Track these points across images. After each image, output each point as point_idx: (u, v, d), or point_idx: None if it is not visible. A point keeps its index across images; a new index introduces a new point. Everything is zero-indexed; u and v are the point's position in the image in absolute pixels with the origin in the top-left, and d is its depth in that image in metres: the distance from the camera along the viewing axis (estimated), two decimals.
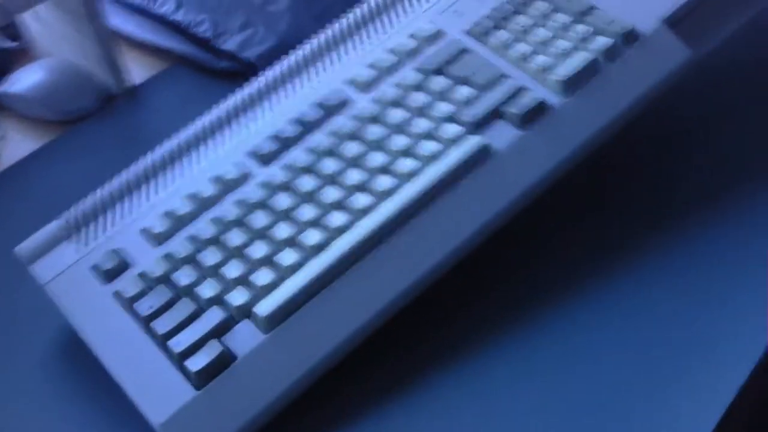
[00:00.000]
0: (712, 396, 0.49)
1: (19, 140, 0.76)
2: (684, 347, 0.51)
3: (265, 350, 0.47)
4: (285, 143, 0.54)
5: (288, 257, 0.49)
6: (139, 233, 0.53)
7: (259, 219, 0.51)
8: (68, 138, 0.74)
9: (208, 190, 0.53)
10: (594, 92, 0.53)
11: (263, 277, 0.49)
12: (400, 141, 0.52)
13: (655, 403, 0.49)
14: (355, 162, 0.52)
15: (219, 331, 0.48)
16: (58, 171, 0.70)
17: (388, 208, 0.50)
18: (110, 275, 0.51)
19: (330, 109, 0.55)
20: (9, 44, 0.76)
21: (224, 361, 0.47)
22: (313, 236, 0.49)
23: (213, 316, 0.48)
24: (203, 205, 0.53)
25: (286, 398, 0.47)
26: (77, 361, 0.53)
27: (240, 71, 0.73)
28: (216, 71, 0.75)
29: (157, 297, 0.49)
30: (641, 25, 0.55)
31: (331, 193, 0.51)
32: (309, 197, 0.51)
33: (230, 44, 0.74)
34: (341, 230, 0.50)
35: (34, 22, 0.79)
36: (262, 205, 0.52)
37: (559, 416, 0.48)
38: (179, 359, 0.47)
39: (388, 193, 0.50)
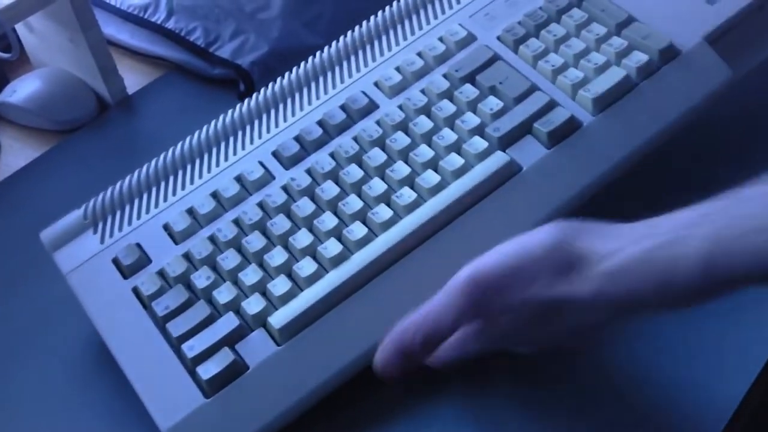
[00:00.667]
0: (716, 403, 0.48)
1: (15, 150, 0.77)
2: (689, 353, 0.50)
3: (277, 362, 0.47)
4: (309, 146, 0.54)
5: (306, 268, 0.49)
6: (161, 229, 0.53)
7: (280, 224, 0.51)
8: (64, 147, 0.75)
9: (231, 189, 0.53)
10: (627, 111, 0.52)
11: (280, 286, 0.49)
12: (425, 152, 0.52)
13: (661, 409, 0.48)
14: (379, 172, 0.52)
15: (232, 339, 0.48)
16: (54, 180, 0.71)
17: (409, 223, 0.49)
18: (130, 270, 0.51)
19: (355, 114, 0.54)
20: (2, 55, 0.77)
21: (235, 370, 0.47)
22: (333, 248, 0.49)
23: (227, 323, 0.48)
24: (225, 204, 0.53)
25: (295, 411, 0.47)
26: (94, 353, 0.53)
27: (233, 78, 0.74)
28: (209, 78, 0.76)
29: (174, 297, 0.49)
30: (681, 41, 0.53)
31: (353, 204, 0.51)
32: (330, 206, 0.51)
33: (223, 51, 0.74)
34: (361, 243, 0.49)
35: (28, 33, 0.80)
36: (283, 209, 0.51)
37: (563, 424, 0.48)
38: (191, 364, 0.47)
39: (410, 208, 0.50)
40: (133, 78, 0.80)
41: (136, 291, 0.51)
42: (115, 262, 0.52)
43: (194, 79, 0.77)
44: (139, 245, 0.52)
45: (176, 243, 0.52)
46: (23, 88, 0.79)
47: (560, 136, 0.51)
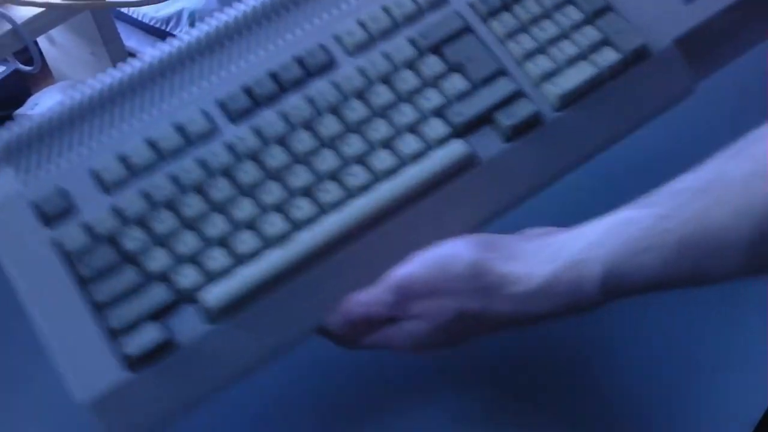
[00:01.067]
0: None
1: None
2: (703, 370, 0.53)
3: (209, 342, 0.45)
4: (259, 100, 0.50)
5: (247, 242, 0.46)
6: (89, 174, 0.49)
7: (222, 189, 0.48)
8: None
9: (170, 139, 0.49)
10: (590, 111, 0.50)
11: (218, 259, 0.46)
12: (382, 129, 0.49)
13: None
14: (331, 143, 0.49)
15: (161, 312, 0.45)
16: None
17: (359, 207, 0.47)
18: (51, 218, 0.48)
19: (311, 69, 0.51)
20: (25, 68, 0.78)
21: (162, 347, 0.45)
22: (275, 224, 0.47)
23: (157, 294, 0.45)
24: (162, 156, 0.49)
25: (220, 392, 0.46)
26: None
27: None
28: None
29: (100, 257, 0.46)
30: (652, 41, 0.52)
31: (301, 176, 0.48)
32: (278, 175, 0.48)
33: None
34: (305, 222, 0.47)
35: (50, 46, 0.82)
36: (225, 172, 0.48)
37: None
38: (115, 335, 0.45)
39: (361, 189, 0.48)
40: None
41: (57, 243, 0.47)
42: (36, 207, 0.48)
43: None
44: (63, 191, 0.48)
45: (106, 194, 0.48)
46: (45, 101, 0.81)
47: (521, 131, 0.49)
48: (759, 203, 0.39)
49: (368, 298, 0.46)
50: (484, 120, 0.49)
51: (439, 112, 0.49)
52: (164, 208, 0.47)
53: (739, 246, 0.40)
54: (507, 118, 0.49)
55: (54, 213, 0.47)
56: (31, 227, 0.47)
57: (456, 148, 0.48)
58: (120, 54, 0.77)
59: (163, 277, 0.46)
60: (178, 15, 0.83)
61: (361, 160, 0.48)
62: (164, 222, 0.47)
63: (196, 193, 0.48)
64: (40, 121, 0.50)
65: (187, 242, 0.46)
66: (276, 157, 0.48)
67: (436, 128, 0.49)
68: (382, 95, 0.50)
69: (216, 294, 0.45)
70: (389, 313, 0.45)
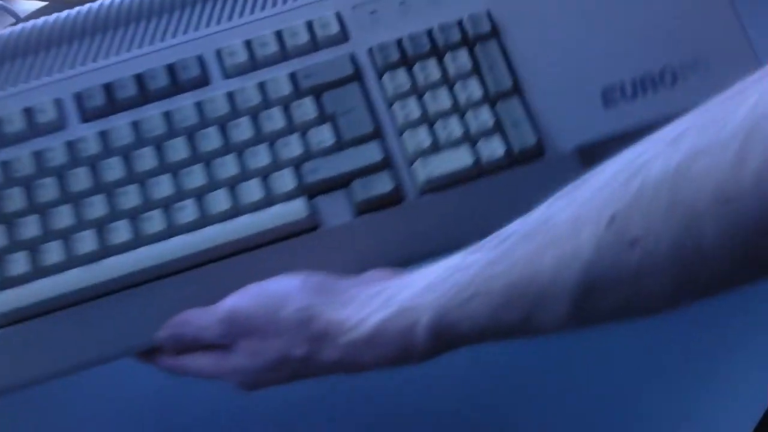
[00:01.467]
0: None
1: None
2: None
3: None
4: (116, 103, 0.47)
5: (54, 254, 0.44)
6: None
7: (48, 190, 0.45)
8: None
9: (16, 123, 0.46)
10: (458, 202, 0.46)
11: (19, 263, 0.44)
12: (230, 167, 0.46)
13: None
14: (173, 168, 0.46)
15: None
16: None
17: (179, 245, 0.45)
18: None
19: (182, 83, 0.48)
20: None
21: None
22: (90, 242, 0.44)
23: None
24: (3, 138, 0.46)
25: None
26: None
27: None
28: None
29: None
30: (552, 141, 0.47)
31: (131, 197, 0.45)
32: (107, 188, 0.45)
33: None
34: (122, 248, 0.45)
35: None
36: (58, 172, 0.46)
37: None
38: None
39: (187, 226, 0.45)
40: None
41: None
42: None
43: None
44: None
45: None
46: None
47: (375, 207, 0.46)
48: (584, 250, 0.36)
49: (200, 320, 0.44)
50: (339, 183, 0.46)
51: (295, 164, 0.46)
52: None
53: (563, 295, 0.37)
54: (363, 190, 0.45)
55: None
56: None
57: (297, 208, 0.45)
58: None
59: None
60: None
61: (198, 194, 0.45)
62: None
63: (20, 186, 0.45)
64: None
65: None
66: (113, 169, 0.46)
67: (286, 181, 0.45)
68: (243, 130, 0.46)
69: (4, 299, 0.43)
70: (218, 341, 0.44)
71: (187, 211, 0.45)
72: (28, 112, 0.47)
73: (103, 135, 0.46)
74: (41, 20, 0.48)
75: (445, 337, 0.40)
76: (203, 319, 0.44)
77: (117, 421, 0.54)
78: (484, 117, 0.47)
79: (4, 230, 0.45)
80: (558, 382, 0.53)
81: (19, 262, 0.44)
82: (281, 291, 0.43)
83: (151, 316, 0.44)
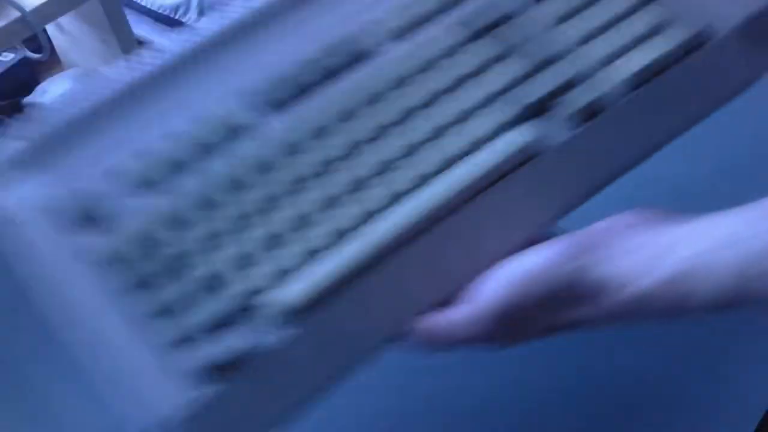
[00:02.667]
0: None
1: None
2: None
3: (288, 347, 0.41)
4: (300, 89, 0.47)
5: (319, 236, 0.43)
6: (119, 174, 0.45)
7: (282, 177, 0.44)
8: None
9: (208, 132, 0.46)
10: (655, 96, 0.47)
11: (288, 255, 0.42)
12: (436, 117, 0.46)
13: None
14: (390, 131, 0.46)
15: (229, 318, 0.42)
16: None
17: (429, 195, 0.44)
18: (74, 223, 0.44)
19: (353, 56, 0.48)
20: (34, 56, 0.79)
21: (240, 355, 0.41)
22: (346, 215, 0.43)
23: (218, 301, 0.42)
24: (199, 150, 0.45)
25: (312, 399, 0.42)
26: None
27: None
28: None
29: (145, 264, 0.42)
30: (713, 26, 0.48)
31: (366, 164, 0.45)
32: (337, 165, 0.45)
33: None
34: (377, 213, 0.44)
35: (59, 34, 0.82)
36: (274, 165, 0.45)
37: None
38: (181, 347, 0.41)
39: (429, 177, 0.44)
40: None
41: (84, 251, 0.43)
42: (62, 212, 0.44)
43: None
44: (83, 193, 0.44)
45: (142, 192, 0.44)
46: (54, 89, 0.80)
47: (586, 117, 0.46)
48: None
49: (458, 325, 0.42)
50: (544, 106, 0.46)
51: (496, 98, 0.47)
52: (213, 206, 0.44)
53: None
54: (568, 104, 0.46)
55: (83, 218, 0.44)
56: (58, 235, 0.44)
57: (520, 135, 0.45)
58: (129, 41, 0.76)
59: (226, 280, 0.42)
60: (187, 3, 0.81)
61: (419, 150, 0.45)
62: (215, 221, 0.43)
63: (246, 188, 0.44)
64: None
65: (248, 241, 0.43)
66: (334, 146, 0.45)
67: (497, 114, 0.46)
68: (430, 81, 0.47)
69: (294, 293, 0.42)
70: (483, 340, 0.42)
71: (428, 160, 0.45)
72: (215, 120, 0.46)
73: (304, 119, 0.46)
74: (204, 28, 0.48)
75: (734, 300, 0.37)
76: (462, 324, 0.42)
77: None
78: (645, 18, 0.49)
79: (255, 232, 0.43)
80: (558, 382, 0.54)
81: (287, 256, 0.43)
82: (536, 265, 0.41)
83: (413, 280, 0.43)
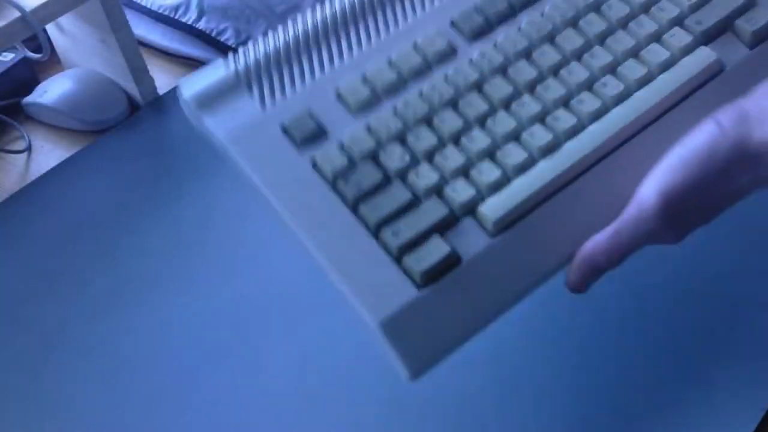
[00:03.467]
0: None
1: (46, 151, 0.76)
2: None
3: (491, 256, 0.43)
4: (492, 19, 0.48)
5: (515, 155, 0.45)
6: (333, 97, 0.47)
7: (475, 104, 0.46)
8: (95, 148, 0.74)
9: (411, 59, 0.47)
10: None
11: (488, 172, 0.44)
12: (626, 40, 0.48)
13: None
14: (577, 56, 0.48)
15: (441, 227, 0.43)
16: (85, 181, 0.70)
17: (620, 116, 0.46)
18: (304, 142, 0.45)
19: None
20: (33, 56, 0.78)
21: (450, 261, 0.43)
22: (541, 135, 0.45)
23: (435, 209, 0.43)
24: (407, 76, 0.47)
25: (504, 310, 0.44)
26: None
27: None
28: None
29: (366, 176, 0.44)
30: None
31: (556, 90, 0.46)
32: (529, 88, 0.47)
33: None
34: (569, 133, 0.45)
35: (59, 34, 0.81)
36: (475, 87, 0.46)
37: None
38: (398, 252, 0.43)
39: (618, 99, 0.46)
40: (164, 78, 0.80)
41: (317, 166, 0.44)
42: (286, 131, 0.45)
43: None
44: (312, 114, 0.45)
45: (353, 115, 0.46)
46: (54, 89, 0.79)
47: (764, 37, 0.49)
48: None
49: (622, 232, 0.42)
50: (724, 27, 0.49)
51: (677, 22, 0.48)
52: (420, 126, 0.46)
53: None
54: (748, 24, 0.48)
55: (306, 135, 0.45)
56: (286, 152, 0.45)
57: (702, 55, 0.47)
58: (129, 41, 0.76)
59: (435, 193, 0.44)
60: (187, 3, 0.81)
61: (608, 70, 0.47)
62: (423, 139, 0.45)
63: (449, 109, 0.46)
64: (276, 45, 0.48)
65: (453, 157, 0.45)
66: (522, 71, 0.47)
67: (679, 37, 0.48)
68: (618, 8, 0.49)
69: (494, 206, 0.43)
70: (650, 241, 0.42)
71: (610, 86, 0.47)
72: (421, 48, 0.47)
73: (498, 46, 0.48)
74: None
75: None
76: (625, 230, 0.42)
77: None
78: None
79: (458, 150, 0.45)
80: (557, 382, 0.54)
81: (489, 172, 0.44)
82: (696, 147, 0.41)
83: (599, 198, 0.45)
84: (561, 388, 0.53)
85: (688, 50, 0.48)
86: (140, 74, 0.78)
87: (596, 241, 0.43)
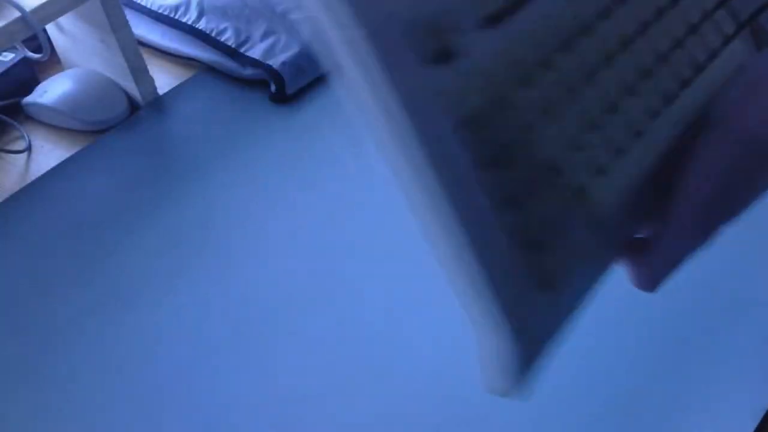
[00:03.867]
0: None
1: (46, 150, 0.77)
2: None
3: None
4: None
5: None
6: None
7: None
8: (95, 148, 0.74)
9: None
10: None
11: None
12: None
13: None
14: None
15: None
16: (85, 181, 0.71)
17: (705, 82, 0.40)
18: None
19: None
20: (33, 56, 0.79)
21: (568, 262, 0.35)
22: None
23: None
24: None
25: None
26: None
27: (264, 79, 0.73)
28: (240, 79, 0.76)
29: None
30: None
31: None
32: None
33: (254, 52, 0.74)
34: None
35: (59, 34, 0.81)
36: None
37: None
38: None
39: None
40: (164, 78, 0.81)
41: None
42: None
43: (225, 79, 0.78)
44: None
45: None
46: (54, 89, 0.79)
47: None
48: None
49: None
50: None
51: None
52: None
53: None
54: None
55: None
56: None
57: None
58: (129, 41, 0.76)
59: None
60: (187, 3, 0.82)
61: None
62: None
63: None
64: None
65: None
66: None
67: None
68: None
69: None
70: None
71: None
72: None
73: None
74: None
75: None
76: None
77: None
78: None
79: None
80: (557, 382, 0.52)
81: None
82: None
83: None
84: (561, 388, 0.53)
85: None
86: (140, 74, 0.78)
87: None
